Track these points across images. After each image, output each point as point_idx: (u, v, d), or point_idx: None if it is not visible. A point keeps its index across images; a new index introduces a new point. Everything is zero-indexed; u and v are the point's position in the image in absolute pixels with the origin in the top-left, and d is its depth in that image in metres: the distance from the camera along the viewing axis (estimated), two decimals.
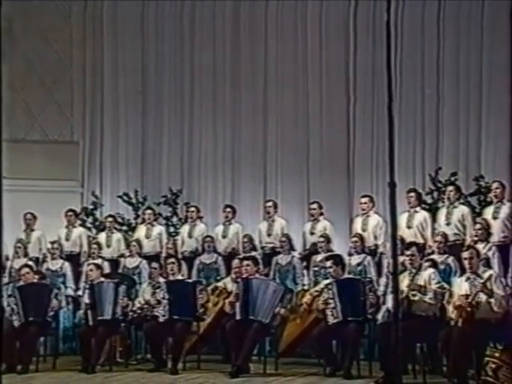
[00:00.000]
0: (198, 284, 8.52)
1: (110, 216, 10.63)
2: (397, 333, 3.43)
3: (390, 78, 3.07)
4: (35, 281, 8.81)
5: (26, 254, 10.00)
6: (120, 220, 10.92)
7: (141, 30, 12.05)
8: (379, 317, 7.50)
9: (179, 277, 8.65)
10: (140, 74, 12.04)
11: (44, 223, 10.44)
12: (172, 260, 8.69)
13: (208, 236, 9.87)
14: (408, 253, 7.39)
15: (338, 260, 7.98)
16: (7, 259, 10.25)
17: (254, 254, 9.33)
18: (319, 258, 8.97)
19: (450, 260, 8.20)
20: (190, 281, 8.78)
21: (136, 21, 12.02)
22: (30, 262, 9.51)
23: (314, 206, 9.76)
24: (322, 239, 9.13)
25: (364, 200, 9.43)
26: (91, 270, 8.84)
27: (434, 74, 11.04)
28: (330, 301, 7.55)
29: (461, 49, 10.93)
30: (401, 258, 7.11)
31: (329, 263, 7.90)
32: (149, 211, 10.46)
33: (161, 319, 8.15)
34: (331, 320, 7.53)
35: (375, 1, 10.94)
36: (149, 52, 12.04)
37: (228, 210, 10.15)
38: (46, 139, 12.02)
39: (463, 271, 7.34)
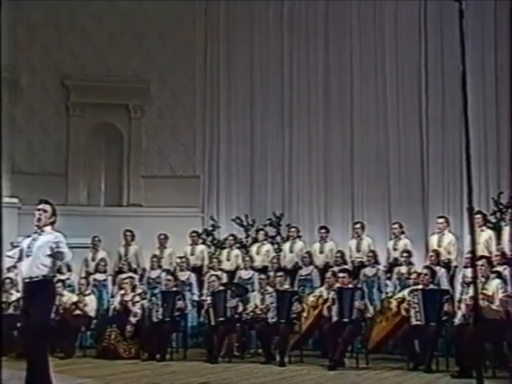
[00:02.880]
0: (294, 294, 8.51)
1: (231, 235, 10.77)
2: (476, 335, 3.42)
3: (467, 128, 3.06)
4: (170, 288, 9.06)
5: (159, 267, 10.22)
6: None
7: (250, 84, 12.30)
8: (456, 320, 7.37)
9: (286, 286, 8.75)
10: (249, 123, 12.26)
11: (173, 242, 10.68)
12: (281, 273, 8.81)
13: (307, 252, 9.94)
14: (479, 263, 7.26)
15: (432, 272, 7.92)
16: (144, 270, 10.63)
17: (345, 267, 9.33)
18: (403, 269, 8.91)
19: (507, 271, 7.98)
20: (289, 290, 8.78)
21: (246, 79, 12.28)
22: (169, 274, 9.61)
23: (396, 226, 9.70)
24: (405, 254, 9.06)
25: (441, 220, 9.32)
26: (213, 280, 9.04)
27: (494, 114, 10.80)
28: (415, 305, 7.47)
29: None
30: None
31: (426, 271, 7.85)
32: (262, 232, 10.62)
33: (269, 321, 8.27)
34: (414, 321, 7.46)
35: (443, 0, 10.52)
36: (256, 111, 12.20)
37: (323, 230, 10.19)
38: (174, 175, 12.30)
39: None
